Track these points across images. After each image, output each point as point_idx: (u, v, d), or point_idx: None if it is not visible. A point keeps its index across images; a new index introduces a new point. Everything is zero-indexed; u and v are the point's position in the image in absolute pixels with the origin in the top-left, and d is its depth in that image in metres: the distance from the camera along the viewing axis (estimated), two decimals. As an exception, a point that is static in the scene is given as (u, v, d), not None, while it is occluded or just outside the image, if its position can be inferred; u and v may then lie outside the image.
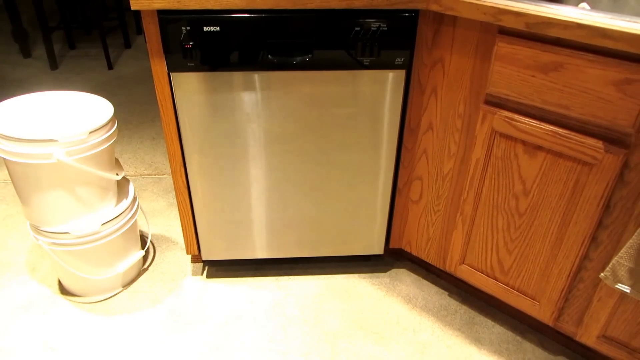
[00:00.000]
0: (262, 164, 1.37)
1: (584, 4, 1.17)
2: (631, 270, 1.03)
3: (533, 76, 1.05)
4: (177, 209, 1.78)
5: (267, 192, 1.42)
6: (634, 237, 1.00)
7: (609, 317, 1.16)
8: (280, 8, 1.12)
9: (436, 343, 1.40)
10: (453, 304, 1.53)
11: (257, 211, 1.45)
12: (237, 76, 1.22)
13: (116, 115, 2.64)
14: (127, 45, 3.63)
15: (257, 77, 1.22)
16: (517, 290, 1.31)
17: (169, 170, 2.17)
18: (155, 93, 1.25)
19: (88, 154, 1.29)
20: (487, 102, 1.16)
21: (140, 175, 2.15)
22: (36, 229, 1.38)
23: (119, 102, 2.79)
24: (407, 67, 1.23)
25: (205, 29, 1.14)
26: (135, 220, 1.53)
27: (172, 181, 1.79)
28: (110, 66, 3.23)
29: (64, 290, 1.55)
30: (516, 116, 1.11)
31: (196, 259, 1.67)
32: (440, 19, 1.16)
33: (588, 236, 1.11)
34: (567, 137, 1.05)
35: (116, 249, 1.48)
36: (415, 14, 1.16)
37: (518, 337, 1.42)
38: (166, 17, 1.13)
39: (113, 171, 1.41)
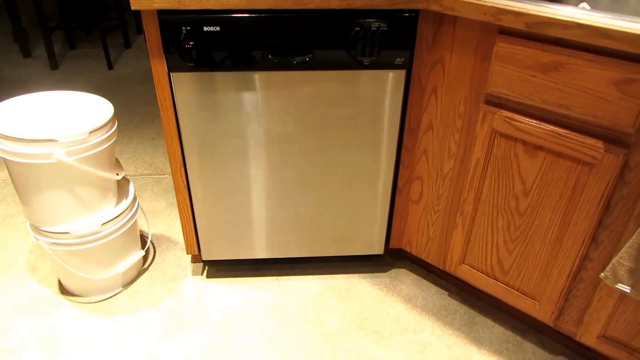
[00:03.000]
0: (262, 164, 1.37)
1: (584, 4, 1.17)
2: (631, 270, 1.03)
3: (533, 76, 1.05)
4: (177, 209, 1.78)
5: (267, 192, 1.42)
6: (634, 237, 1.00)
7: (609, 317, 1.16)
8: (280, 8, 1.12)
9: (436, 343, 1.40)
10: (453, 304, 1.53)
11: (257, 211, 1.45)
12: (237, 76, 1.22)
13: (116, 115, 2.64)
14: (127, 45, 3.63)
15: (257, 77, 1.22)
16: (517, 290, 1.31)
17: (169, 170, 2.17)
18: (155, 93, 1.25)
19: (88, 154, 1.29)
20: (487, 102, 1.16)
21: (140, 175, 2.15)
22: (36, 228, 1.38)
23: (119, 102, 2.79)
24: (407, 67, 1.23)
25: (205, 29, 1.14)
26: (136, 220, 1.53)
27: (172, 181, 1.79)
28: (110, 66, 3.23)
29: (64, 290, 1.55)
30: (516, 116, 1.11)
31: (196, 259, 1.67)
32: (441, 19, 1.16)
33: (588, 236, 1.11)
34: (567, 137, 1.05)
35: (116, 249, 1.48)
36: (415, 14, 1.16)
37: (518, 337, 1.42)
38: (166, 17, 1.13)
39: (113, 171, 1.41)
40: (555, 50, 1.00)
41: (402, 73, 1.24)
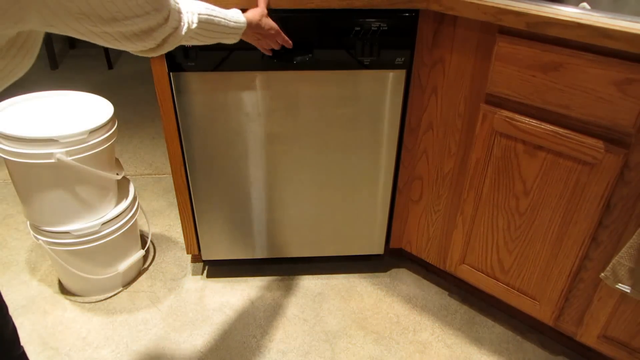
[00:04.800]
0: (263, 164, 1.37)
1: (584, 4, 1.17)
2: (631, 270, 1.03)
3: (533, 76, 1.05)
4: (177, 209, 1.78)
5: (268, 192, 1.42)
6: (634, 237, 1.00)
7: (609, 317, 1.16)
8: (281, 8, 1.12)
9: (436, 343, 1.40)
10: (453, 303, 1.53)
11: (257, 211, 1.45)
12: (237, 76, 1.22)
13: (116, 115, 2.63)
14: (127, 45, 3.63)
15: (257, 77, 1.22)
16: (518, 290, 1.31)
17: (169, 170, 2.17)
18: (155, 93, 1.25)
19: (88, 153, 1.29)
20: (487, 102, 1.16)
21: (141, 175, 2.15)
22: (36, 228, 1.38)
23: (119, 102, 2.79)
24: (408, 67, 1.23)
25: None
26: (136, 220, 1.53)
27: (172, 181, 1.79)
28: (110, 66, 3.23)
29: (64, 290, 1.55)
30: (516, 116, 1.11)
31: (196, 258, 1.67)
32: (441, 19, 1.16)
33: (588, 236, 1.11)
34: (567, 137, 1.05)
35: (116, 248, 1.48)
36: (415, 13, 1.16)
37: (518, 337, 1.42)
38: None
39: (113, 171, 1.41)
40: (556, 50, 1.00)
41: (402, 73, 1.24)
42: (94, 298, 1.52)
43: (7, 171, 1.36)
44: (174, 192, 1.99)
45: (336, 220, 1.49)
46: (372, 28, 1.16)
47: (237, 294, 1.55)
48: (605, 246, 1.11)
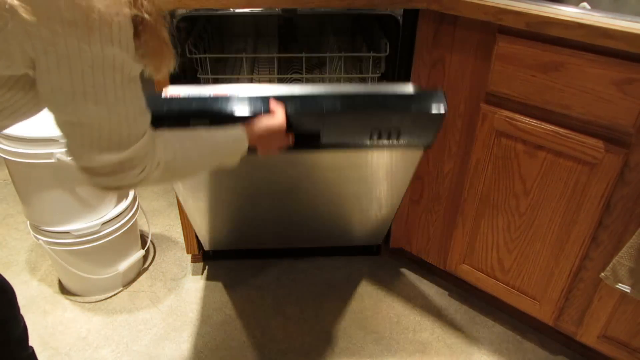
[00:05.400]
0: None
1: (584, 4, 1.17)
2: (632, 270, 1.03)
3: (533, 76, 1.05)
4: (177, 208, 1.78)
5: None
6: (634, 236, 1.00)
7: (609, 317, 1.16)
8: (281, 7, 1.12)
9: (436, 343, 1.40)
10: (453, 303, 1.53)
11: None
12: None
13: (116, 114, 2.63)
14: (127, 44, 3.63)
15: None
16: (518, 290, 1.31)
17: (169, 170, 2.17)
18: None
19: (88, 153, 1.29)
20: (487, 102, 1.16)
21: (140, 174, 2.15)
22: (36, 228, 1.38)
23: (119, 102, 2.79)
24: (427, 148, 1.09)
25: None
26: (136, 220, 1.53)
27: (172, 181, 1.79)
28: (110, 66, 3.22)
29: (64, 290, 1.55)
30: (517, 116, 1.11)
31: (196, 258, 1.67)
32: (441, 19, 1.16)
33: (588, 236, 1.11)
34: (567, 137, 1.05)
35: (116, 248, 1.48)
36: (441, 117, 0.98)
37: (518, 337, 1.42)
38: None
39: (113, 171, 1.41)
40: (556, 50, 1.00)
41: (418, 153, 1.11)
42: (94, 298, 1.52)
43: (7, 171, 1.36)
44: (174, 192, 1.99)
45: (337, 220, 1.49)
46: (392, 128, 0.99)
47: (237, 293, 1.55)
48: (605, 246, 1.11)
